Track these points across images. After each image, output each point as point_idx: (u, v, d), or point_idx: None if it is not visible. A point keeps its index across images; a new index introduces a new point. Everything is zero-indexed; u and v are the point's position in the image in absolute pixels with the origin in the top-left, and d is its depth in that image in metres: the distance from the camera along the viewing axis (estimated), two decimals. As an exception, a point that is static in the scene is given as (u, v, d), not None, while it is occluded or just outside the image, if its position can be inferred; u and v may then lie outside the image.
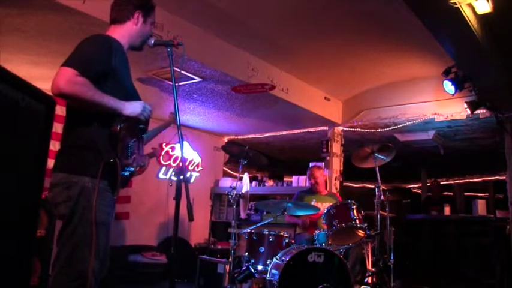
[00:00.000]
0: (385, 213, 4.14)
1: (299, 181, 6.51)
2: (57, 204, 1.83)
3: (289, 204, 4.01)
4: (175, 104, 2.15)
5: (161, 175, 6.19)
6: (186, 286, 5.29)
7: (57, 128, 5.61)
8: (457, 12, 3.07)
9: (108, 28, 2.17)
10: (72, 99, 1.86)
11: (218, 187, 7.29)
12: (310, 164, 6.46)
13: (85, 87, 1.82)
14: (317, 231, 3.92)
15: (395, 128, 5.98)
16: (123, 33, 2.13)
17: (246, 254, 3.79)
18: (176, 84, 2.23)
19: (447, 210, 6.25)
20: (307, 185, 6.06)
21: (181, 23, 4.05)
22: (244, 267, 3.67)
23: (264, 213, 6.43)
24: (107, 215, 1.96)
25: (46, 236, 4.35)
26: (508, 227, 4.87)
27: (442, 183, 10.17)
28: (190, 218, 2.01)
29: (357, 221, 3.80)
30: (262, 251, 3.74)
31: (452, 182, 10.06)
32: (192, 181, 6.61)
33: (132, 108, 1.99)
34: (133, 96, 2.11)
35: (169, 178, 6.18)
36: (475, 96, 4.73)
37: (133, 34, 2.16)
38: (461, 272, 5.67)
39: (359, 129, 6.23)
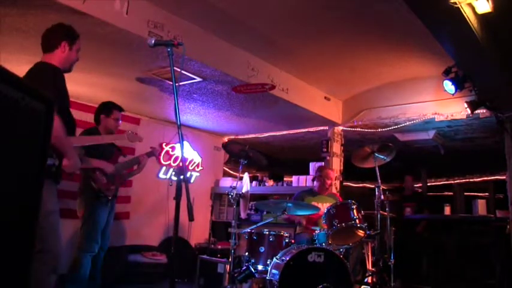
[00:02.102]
0: (385, 213, 4.14)
1: (299, 181, 6.51)
2: None
3: (289, 204, 4.01)
4: (175, 103, 2.17)
5: (161, 175, 6.19)
6: (186, 286, 5.29)
7: (57, 128, 5.49)
8: (457, 12, 3.07)
9: (43, 56, 2.62)
10: None
11: (218, 187, 7.30)
12: (311, 165, 6.48)
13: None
14: (317, 231, 3.93)
15: (395, 128, 5.98)
16: (56, 60, 2.58)
17: (246, 253, 3.80)
18: (176, 84, 2.25)
19: (447, 210, 6.24)
20: (308, 184, 6.08)
21: (181, 23, 4.05)
22: (244, 267, 3.67)
23: (264, 213, 6.44)
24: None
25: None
26: (508, 226, 4.87)
27: (442, 183, 10.18)
28: (190, 218, 2.03)
29: (357, 221, 3.80)
30: (262, 250, 3.74)
31: (452, 182, 10.05)
32: (192, 181, 6.61)
33: (73, 166, 2.40)
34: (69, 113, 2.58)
35: (170, 178, 6.19)
36: (475, 96, 4.72)
37: (63, 60, 2.62)
38: (461, 272, 5.67)
39: (359, 129, 6.23)
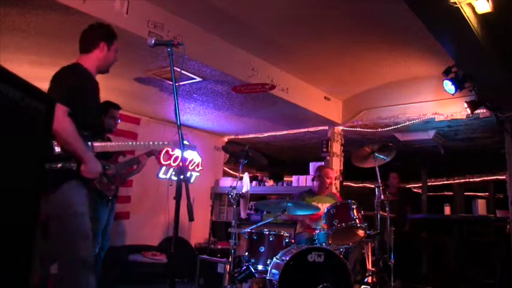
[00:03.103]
0: (385, 213, 4.14)
1: (299, 181, 6.51)
2: None
3: (289, 204, 4.01)
4: (175, 103, 2.17)
5: (161, 175, 6.19)
6: (186, 286, 5.29)
7: (57, 128, 5.46)
8: (457, 12, 3.07)
9: (79, 57, 2.50)
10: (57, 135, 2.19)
11: (218, 187, 7.29)
12: (311, 165, 6.47)
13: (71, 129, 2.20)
14: (317, 231, 3.92)
15: (395, 128, 5.98)
16: (93, 61, 2.48)
17: (246, 253, 3.80)
18: (176, 84, 2.25)
19: (447, 210, 6.25)
20: (309, 184, 6.08)
21: (181, 23, 4.05)
22: (244, 267, 3.67)
23: (264, 213, 6.44)
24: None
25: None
26: (508, 226, 4.87)
27: (442, 183, 10.17)
28: (190, 218, 2.03)
29: (357, 221, 3.80)
30: (262, 250, 3.74)
31: (452, 182, 10.05)
32: (192, 181, 6.61)
33: (90, 171, 2.27)
34: (95, 115, 2.49)
35: (170, 178, 6.19)
36: (475, 96, 4.72)
37: (101, 61, 2.50)
38: (461, 272, 5.67)
39: (359, 129, 6.23)
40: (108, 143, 2.50)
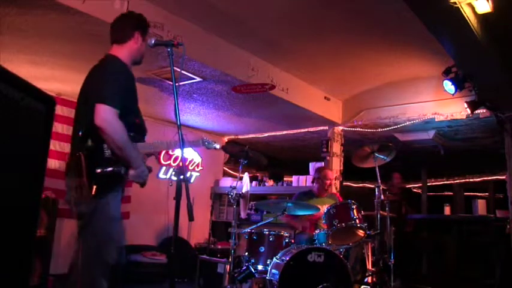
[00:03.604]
0: (385, 213, 4.14)
1: (299, 181, 6.51)
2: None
3: (289, 204, 4.00)
4: (175, 103, 2.17)
5: (161, 175, 6.19)
6: (186, 286, 5.29)
7: (57, 128, 5.59)
8: (457, 12, 3.07)
9: (111, 48, 2.38)
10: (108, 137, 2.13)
11: (218, 187, 7.30)
12: (311, 165, 6.47)
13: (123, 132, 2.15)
14: (317, 231, 3.92)
15: (395, 128, 5.98)
16: (126, 52, 2.36)
17: (246, 253, 3.79)
18: (176, 84, 2.25)
19: (447, 210, 6.25)
20: (308, 184, 6.07)
21: (181, 23, 4.05)
22: (244, 267, 3.67)
23: (264, 213, 6.43)
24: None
25: (46, 236, 4.35)
26: (508, 226, 4.87)
27: (442, 183, 10.17)
28: (190, 218, 2.03)
29: (357, 221, 3.80)
30: (262, 250, 3.74)
31: (452, 182, 10.05)
32: (192, 181, 6.61)
33: (139, 176, 2.25)
34: (138, 115, 2.39)
35: (169, 178, 6.18)
36: (475, 96, 4.72)
37: (135, 52, 2.39)
38: (461, 272, 5.67)
39: (359, 129, 6.23)
40: (149, 143, 2.43)
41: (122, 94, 2.19)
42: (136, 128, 2.32)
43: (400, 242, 5.28)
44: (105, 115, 2.09)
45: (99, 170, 2.12)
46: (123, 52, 2.35)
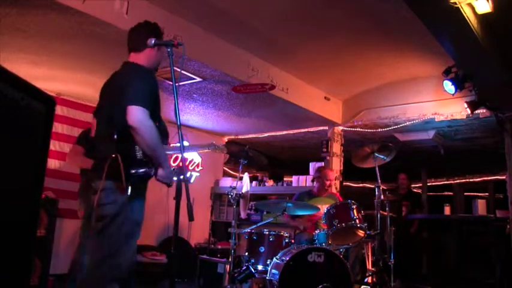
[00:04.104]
0: (385, 213, 4.14)
1: (299, 181, 6.50)
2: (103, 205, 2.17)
3: (289, 204, 4.01)
4: (175, 104, 2.18)
5: (161, 175, 6.18)
6: (186, 286, 5.29)
7: (57, 128, 5.58)
8: (457, 12, 3.07)
9: (130, 55, 2.46)
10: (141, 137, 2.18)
11: (218, 187, 7.29)
12: (311, 165, 6.47)
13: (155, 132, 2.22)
14: (317, 231, 3.92)
15: (395, 128, 5.98)
16: (144, 59, 2.42)
17: (246, 253, 3.79)
18: (176, 84, 2.25)
19: (447, 210, 6.24)
20: (308, 184, 6.07)
21: (181, 23, 4.05)
22: (244, 267, 3.67)
23: (264, 213, 6.43)
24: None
25: (46, 236, 4.35)
26: (508, 226, 4.87)
27: (442, 183, 10.17)
28: (190, 218, 2.04)
29: (357, 221, 3.80)
30: (262, 250, 3.74)
31: (452, 182, 10.05)
32: (192, 181, 6.61)
33: (167, 177, 2.28)
34: (158, 121, 2.40)
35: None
36: (475, 96, 4.72)
37: (152, 59, 2.46)
38: (461, 272, 5.67)
39: (359, 129, 6.23)
40: (171, 146, 2.52)
41: (151, 97, 2.27)
42: (160, 132, 2.36)
43: (402, 243, 5.28)
44: (139, 116, 2.15)
45: (133, 171, 2.16)
46: (142, 59, 2.42)
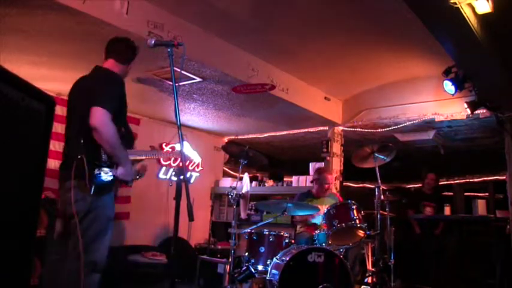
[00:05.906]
0: (385, 213, 4.14)
1: (299, 181, 6.51)
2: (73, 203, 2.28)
3: (289, 204, 4.01)
4: (175, 104, 2.18)
5: (161, 175, 6.19)
6: (186, 286, 5.29)
7: (57, 128, 5.58)
8: (457, 12, 3.07)
9: (107, 61, 2.71)
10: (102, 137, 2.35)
11: (218, 187, 7.29)
12: (311, 165, 6.46)
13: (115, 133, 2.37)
14: (317, 231, 3.92)
15: (395, 128, 5.98)
16: (121, 70, 2.71)
17: (246, 254, 3.79)
18: (176, 84, 2.26)
19: (447, 210, 6.23)
20: (308, 185, 6.07)
21: (181, 23, 4.05)
22: (244, 267, 3.67)
23: (264, 213, 6.43)
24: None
25: (46, 236, 4.35)
26: (508, 226, 4.87)
27: (442, 183, 10.16)
28: (190, 218, 2.04)
29: (357, 221, 3.81)
30: (262, 251, 3.74)
31: (452, 182, 10.04)
32: (192, 181, 6.60)
33: (127, 174, 2.47)
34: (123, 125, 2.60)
35: (170, 178, 6.18)
36: (475, 96, 4.72)
37: (124, 74, 2.76)
38: (461, 272, 5.66)
39: (359, 129, 6.23)
40: (137, 151, 2.70)
41: (117, 102, 2.45)
42: (121, 136, 2.50)
43: (408, 244, 5.24)
44: (100, 116, 2.31)
45: (97, 171, 2.30)
46: (119, 69, 2.68)
